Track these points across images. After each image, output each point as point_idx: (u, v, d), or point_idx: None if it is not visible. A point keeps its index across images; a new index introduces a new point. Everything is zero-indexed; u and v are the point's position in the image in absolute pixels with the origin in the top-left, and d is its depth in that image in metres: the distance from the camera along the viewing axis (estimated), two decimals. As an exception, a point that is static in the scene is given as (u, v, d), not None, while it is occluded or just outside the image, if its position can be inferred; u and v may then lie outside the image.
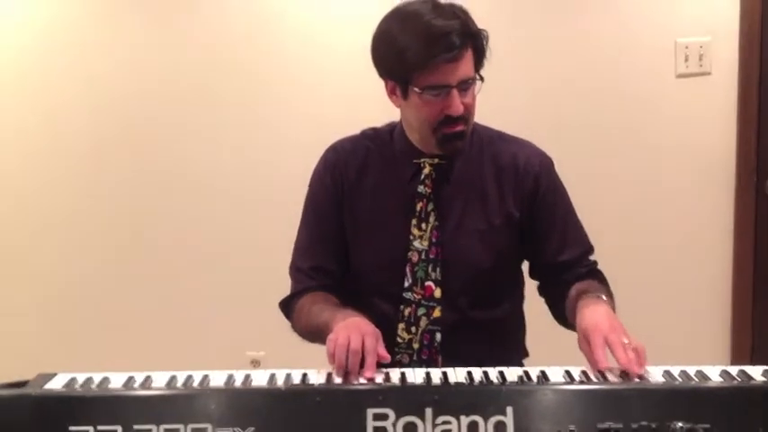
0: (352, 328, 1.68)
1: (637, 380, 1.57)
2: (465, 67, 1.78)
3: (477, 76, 1.83)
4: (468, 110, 1.83)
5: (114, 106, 3.43)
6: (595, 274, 1.95)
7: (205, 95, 3.39)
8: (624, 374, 1.59)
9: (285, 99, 3.36)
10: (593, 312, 1.72)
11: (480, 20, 1.84)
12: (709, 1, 3.22)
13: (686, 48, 3.23)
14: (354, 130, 2.03)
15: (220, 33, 3.36)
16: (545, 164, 1.96)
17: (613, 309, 1.80)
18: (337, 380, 1.61)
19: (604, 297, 1.79)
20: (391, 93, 1.87)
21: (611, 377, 1.59)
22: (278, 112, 3.37)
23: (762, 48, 3.21)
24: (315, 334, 1.87)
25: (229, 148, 3.40)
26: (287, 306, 2.00)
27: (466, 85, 1.80)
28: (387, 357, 1.67)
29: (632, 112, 3.29)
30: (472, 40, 1.79)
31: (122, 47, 3.40)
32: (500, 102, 3.07)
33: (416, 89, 1.78)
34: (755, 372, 1.59)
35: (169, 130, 3.43)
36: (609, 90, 3.28)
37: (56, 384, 1.58)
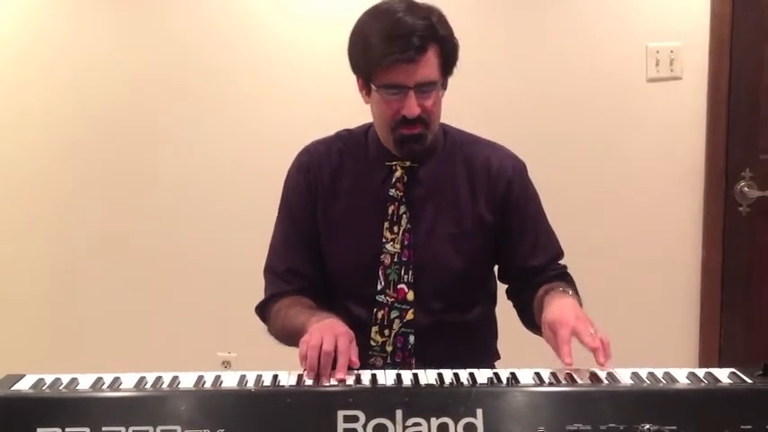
0: (326, 330, 1.68)
1: (605, 381, 1.58)
2: (425, 69, 1.77)
3: (441, 82, 1.82)
4: (429, 113, 1.82)
5: (89, 107, 3.39)
6: (564, 278, 1.97)
7: (180, 95, 3.36)
8: (593, 375, 1.61)
9: (259, 99, 3.35)
10: (559, 305, 1.73)
11: (451, 24, 1.85)
12: (679, 6, 3.25)
13: (657, 52, 3.26)
14: (329, 131, 2.03)
15: (195, 33, 3.34)
16: (518, 168, 1.97)
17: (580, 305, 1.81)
18: (308, 381, 1.61)
19: (570, 292, 1.81)
20: (360, 89, 1.88)
21: (578, 379, 1.60)
22: (251, 113, 3.36)
23: (731, 53, 3.24)
24: (291, 337, 1.86)
25: (203, 149, 3.38)
26: (263, 310, 1.99)
27: (425, 88, 1.79)
28: (356, 363, 1.67)
29: (603, 116, 3.31)
30: (438, 44, 1.78)
31: (101, 46, 3.36)
32: (471, 105, 3.10)
33: (374, 86, 1.79)
34: (722, 374, 1.61)
35: (143, 131, 3.40)
36: (580, 94, 3.30)
37: (23, 385, 1.57)
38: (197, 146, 3.38)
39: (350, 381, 1.61)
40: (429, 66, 1.78)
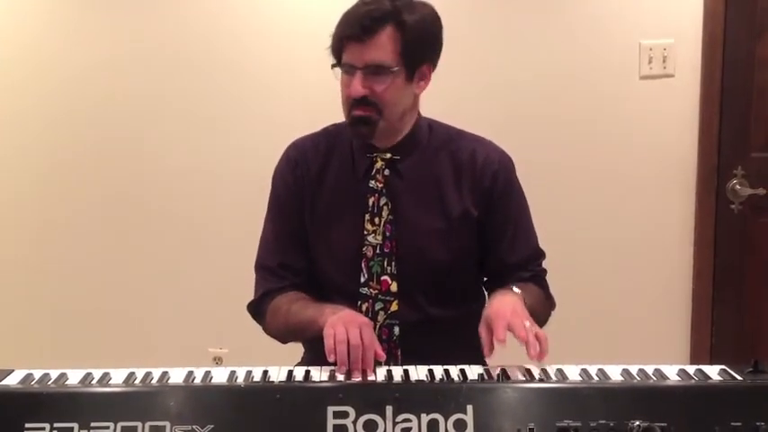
0: (348, 321, 1.69)
1: (596, 377, 1.58)
2: (375, 52, 1.78)
3: (402, 68, 1.81)
4: (378, 97, 1.81)
5: (77, 108, 3.38)
6: (537, 281, 1.97)
7: (174, 95, 3.34)
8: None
9: (247, 96, 3.33)
10: (499, 301, 1.77)
11: (443, 18, 1.84)
12: (673, 4, 3.24)
13: (650, 50, 3.25)
14: (317, 126, 2.03)
15: (186, 33, 3.33)
16: (504, 162, 1.96)
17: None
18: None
19: (518, 290, 1.82)
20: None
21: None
22: (239, 110, 3.34)
23: (724, 51, 3.24)
24: (297, 332, 1.87)
25: (193, 147, 3.37)
26: (257, 307, 1.98)
27: (374, 71, 1.79)
28: (382, 356, 1.68)
29: (595, 113, 3.30)
30: (397, 28, 1.78)
31: (91, 48, 3.34)
32: (463, 103, 3.10)
33: (336, 67, 1.83)
34: (712, 371, 1.61)
35: (134, 132, 3.39)
36: (572, 90, 3.29)
37: (12, 381, 1.57)
38: (187, 144, 3.37)
39: (340, 376, 1.61)
40: (380, 48, 1.79)
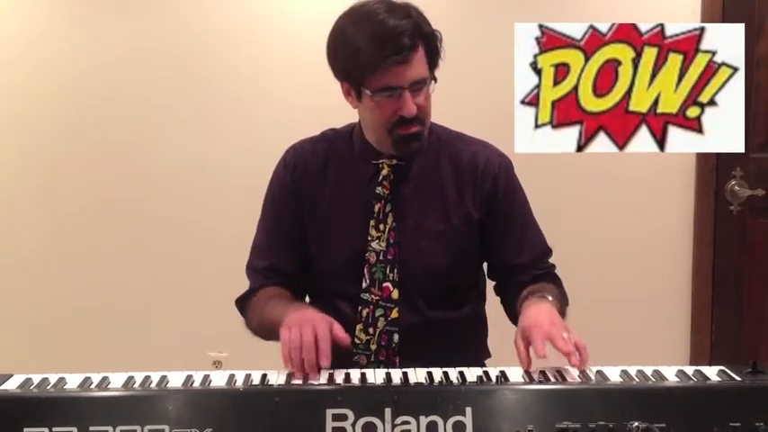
0: (302, 322, 1.69)
1: (593, 378, 1.58)
2: (417, 68, 1.78)
3: (431, 77, 1.83)
4: (423, 111, 1.83)
5: (73, 108, 3.38)
6: (550, 278, 1.96)
7: (173, 97, 3.34)
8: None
9: (246, 100, 3.33)
10: (535, 311, 1.75)
11: (436, 19, 1.84)
12: (670, 6, 3.24)
13: (648, 51, 3.26)
14: (315, 130, 2.03)
15: (185, 36, 3.33)
16: (504, 164, 1.96)
17: (562, 311, 1.83)
18: (298, 381, 1.61)
19: (550, 297, 1.81)
20: (347, 94, 1.87)
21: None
22: (237, 113, 3.35)
23: (722, 51, 3.24)
24: (269, 331, 1.86)
25: (190, 148, 3.37)
26: (242, 305, 1.99)
27: (418, 86, 1.80)
28: (346, 338, 1.69)
29: (594, 115, 3.31)
30: (424, 41, 1.79)
31: (88, 51, 3.34)
32: (461, 104, 3.09)
33: (368, 92, 1.79)
34: (711, 372, 1.61)
35: (128, 132, 3.38)
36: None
37: (11, 385, 1.57)
38: (187, 147, 3.37)
39: (339, 379, 1.61)
40: (420, 64, 1.79)
